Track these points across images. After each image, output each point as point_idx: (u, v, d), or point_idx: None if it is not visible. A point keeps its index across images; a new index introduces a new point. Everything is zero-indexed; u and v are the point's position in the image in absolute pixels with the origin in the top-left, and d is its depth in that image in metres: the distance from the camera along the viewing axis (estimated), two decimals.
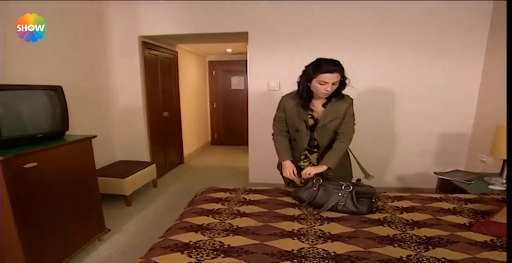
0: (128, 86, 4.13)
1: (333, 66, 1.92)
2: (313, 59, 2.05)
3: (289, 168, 2.16)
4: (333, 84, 1.94)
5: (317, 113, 2.15)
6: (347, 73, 2.01)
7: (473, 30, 3.49)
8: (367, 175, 2.30)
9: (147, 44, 4.25)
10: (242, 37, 3.91)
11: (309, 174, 2.05)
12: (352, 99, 2.15)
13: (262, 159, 4.12)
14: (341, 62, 1.97)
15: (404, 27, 3.58)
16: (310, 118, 2.14)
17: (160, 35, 4.08)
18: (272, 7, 3.71)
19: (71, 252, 2.41)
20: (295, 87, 2.16)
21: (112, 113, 4.17)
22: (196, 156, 6.29)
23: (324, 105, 2.12)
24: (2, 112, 2.05)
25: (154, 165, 4.18)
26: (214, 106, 7.17)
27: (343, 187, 1.87)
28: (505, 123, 2.56)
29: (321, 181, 1.95)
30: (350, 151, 2.37)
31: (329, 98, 2.09)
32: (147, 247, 1.53)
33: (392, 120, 3.83)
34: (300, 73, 2.08)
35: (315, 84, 1.98)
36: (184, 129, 5.67)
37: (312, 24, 3.70)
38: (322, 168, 2.07)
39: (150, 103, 4.40)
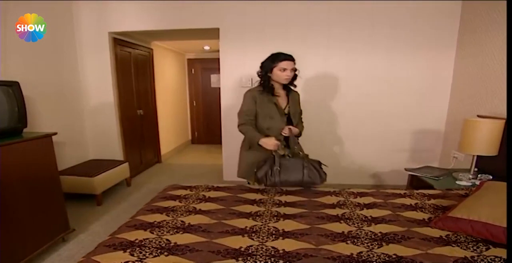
0: (99, 83, 4.00)
1: (289, 56, 2.21)
2: None
3: (271, 139, 2.16)
4: (292, 70, 2.20)
5: (282, 101, 2.33)
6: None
7: (443, 29, 3.50)
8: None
9: (119, 41, 4.14)
10: (216, 34, 3.84)
11: (289, 129, 2.24)
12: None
13: (236, 156, 4.06)
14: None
15: (376, 26, 3.57)
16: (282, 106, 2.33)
17: (131, 31, 3.97)
18: (243, 3, 3.65)
19: (29, 252, 2.30)
20: None
21: (83, 111, 4.05)
22: (175, 155, 6.20)
23: (287, 95, 2.37)
24: None
25: (127, 164, 4.08)
26: (194, 104, 7.06)
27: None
28: (473, 119, 2.58)
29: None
30: None
31: (286, 89, 2.36)
32: None
33: (368, 118, 3.82)
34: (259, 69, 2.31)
35: (276, 72, 2.21)
36: (161, 128, 5.55)
37: (283, 21, 3.65)
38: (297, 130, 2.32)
39: (123, 100, 4.28)
